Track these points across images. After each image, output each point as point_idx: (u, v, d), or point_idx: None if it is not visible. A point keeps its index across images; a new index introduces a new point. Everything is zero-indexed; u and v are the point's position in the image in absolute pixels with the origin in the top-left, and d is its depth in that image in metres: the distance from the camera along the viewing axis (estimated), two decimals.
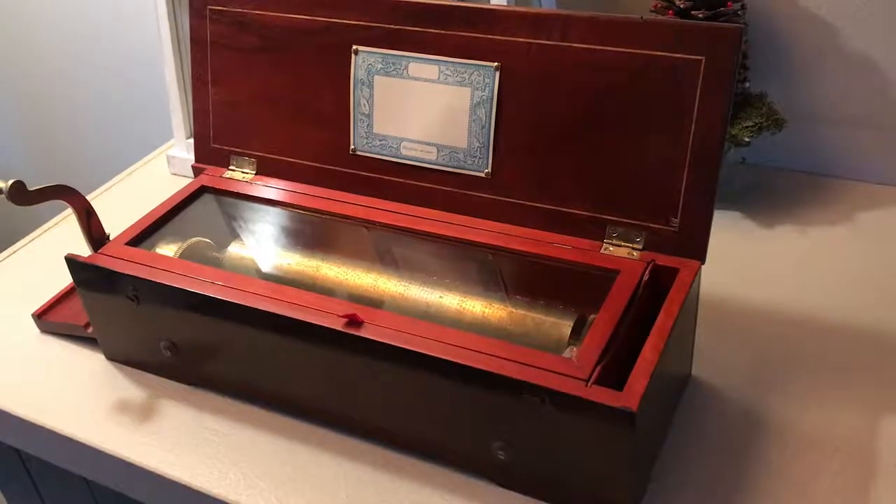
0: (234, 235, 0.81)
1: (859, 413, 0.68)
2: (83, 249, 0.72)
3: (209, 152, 0.82)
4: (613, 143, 0.66)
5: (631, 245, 0.66)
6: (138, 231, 0.74)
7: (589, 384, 0.55)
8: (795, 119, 0.93)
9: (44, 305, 0.82)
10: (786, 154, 0.98)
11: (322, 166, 0.77)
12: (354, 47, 0.73)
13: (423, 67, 0.71)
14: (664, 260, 0.65)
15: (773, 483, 0.63)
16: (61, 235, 0.98)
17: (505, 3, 0.86)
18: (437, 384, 0.60)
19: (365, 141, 0.75)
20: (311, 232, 0.80)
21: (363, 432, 0.68)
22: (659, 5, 0.88)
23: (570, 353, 0.62)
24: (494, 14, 0.68)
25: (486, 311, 0.68)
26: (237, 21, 0.77)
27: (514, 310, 0.68)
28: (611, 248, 0.67)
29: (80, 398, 0.74)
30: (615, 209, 0.67)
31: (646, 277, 0.64)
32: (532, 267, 0.69)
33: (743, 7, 0.88)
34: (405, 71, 0.72)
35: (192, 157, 0.84)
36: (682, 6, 0.86)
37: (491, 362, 0.57)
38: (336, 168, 0.76)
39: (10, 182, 0.67)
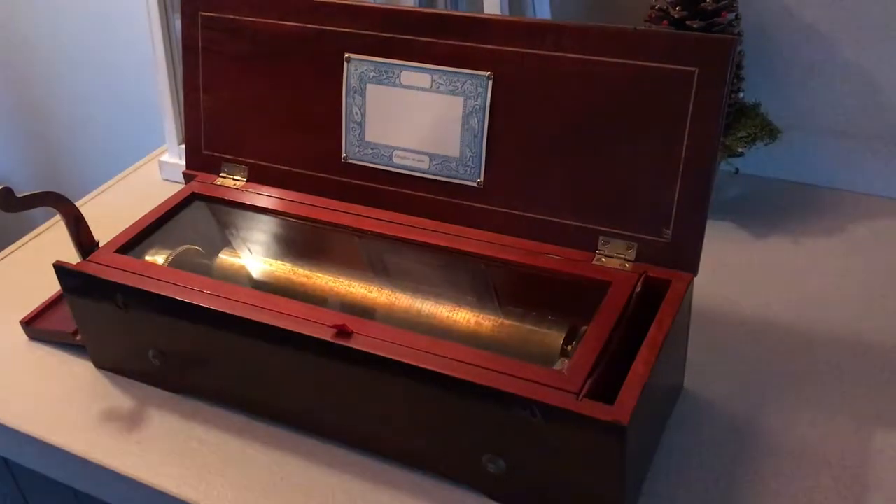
0: (225, 243, 0.80)
1: (852, 426, 0.67)
2: (73, 255, 0.72)
3: (200, 159, 0.82)
4: (606, 153, 0.66)
5: (623, 256, 0.66)
6: (128, 238, 0.73)
7: (580, 397, 0.55)
8: (789, 129, 0.93)
9: (32, 312, 0.82)
10: (780, 164, 0.98)
11: (313, 174, 0.77)
12: (347, 55, 0.73)
13: (416, 76, 0.70)
14: (656, 272, 0.65)
15: (765, 497, 0.62)
16: (51, 241, 0.98)
17: (498, 12, 0.86)
18: (426, 396, 0.59)
19: (357, 149, 0.74)
20: (301, 240, 0.79)
21: (352, 443, 0.67)
22: (653, 15, 0.88)
23: (562, 365, 0.62)
24: (487, 23, 0.68)
25: (478, 321, 0.68)
26: (229, 28, 0.77)
27: (505, 321, 0.67)
28: (603, 260, 0.66)
29: (68, 406, 0.74)
30: (608, 220, 0.66)
31: (638, 289, 0.63)
32: (524, 277, 0.69)
33: (737, 17, 0.88)
34: (397, 79, 0.71)
35: (184, 163, 0.84)
36: (676, 16, 0.86)
37: (481, 374, 0.57)
38: (327, 176, 0.76)
39: None
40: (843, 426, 0.67)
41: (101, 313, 0.71)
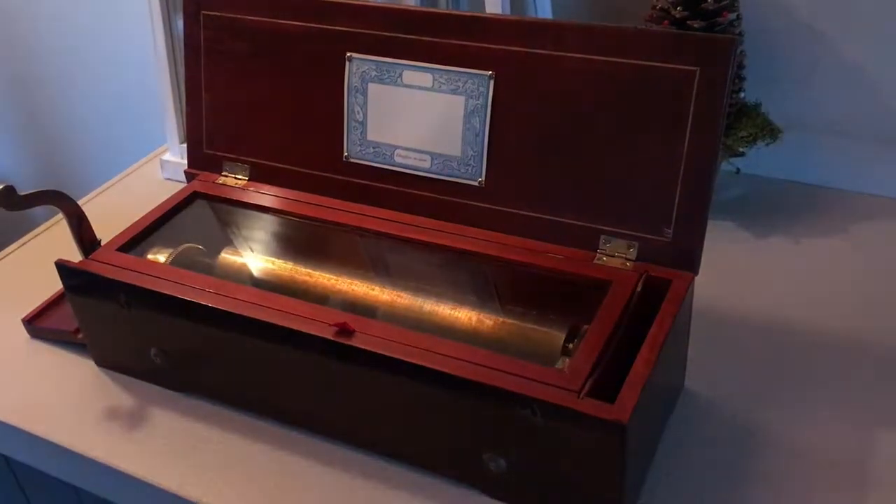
0: (226, 242, 0.80)
1: (854, 426, 0.67)
2: (74, 254, 0.72)
3: (202, 158, 0.82)
4: (607, 152, 0.66)
5: (624, 256, 0.66)
6: (130, 237, 0.73)
7: (581, 396, 0.55)
8: (791, 129, 0.93)
9: (34, 311, 0.82)
10: (781, 164, 0.98)
11: (315, 173, 0.77)
12: (348, 54, 0.73)
13: (417, 75, 0.71)
14: (657, 271, 0.65)
15: (767, 497, 0.62)
16: (53, 239, 0.98)
17: (499, 12, 0.86)
18: (428, 394, 0.59)
19: (358, 148, 0.74)
20: (303, 239, 0.79)
21: (354, 442, 0.67)
22: (654, 15, 0.88)
23: (563, 364, 0.62)
24: (489, 22, 0.68)
25: (479, 320, 0.68)
26: (231, 27, 0.77)
27: (506, 320, 0.67)
28: (604, 259, 0.66)
29: (70, 404, 0.74)
30: (609, 219, 0.66)
31: (639, 288, 0.63)
32: (525, 277, 0.69)
33: (739, 17, 0.88)
34: (399, 78, 0.71)
35: (185, 162, 0.84)
36: (677, 16, 0.86)
37: (482, 373, 0.57)
38: (329, 175, 0.76)
39: (0, 187, 0.67)
40: (843, 426, 0.68)
41: (103, 312, 0.71)
